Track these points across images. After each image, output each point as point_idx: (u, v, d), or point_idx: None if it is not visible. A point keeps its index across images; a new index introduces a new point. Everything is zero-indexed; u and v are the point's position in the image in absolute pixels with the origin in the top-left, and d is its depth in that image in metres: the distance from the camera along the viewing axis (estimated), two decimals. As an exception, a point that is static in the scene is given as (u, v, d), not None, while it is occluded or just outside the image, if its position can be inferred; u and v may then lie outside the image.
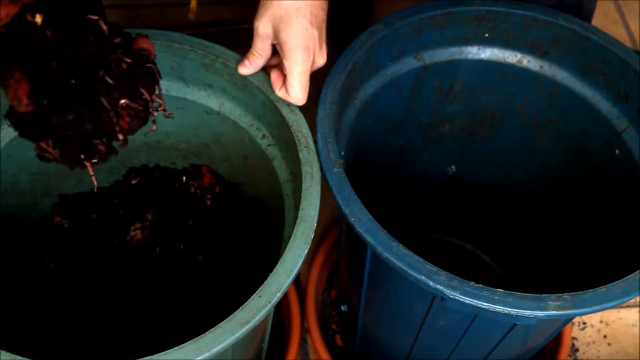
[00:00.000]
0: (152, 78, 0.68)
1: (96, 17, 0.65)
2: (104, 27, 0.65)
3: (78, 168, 0.68)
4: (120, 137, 0.67)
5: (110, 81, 0.64)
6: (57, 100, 0.63)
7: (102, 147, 0.67)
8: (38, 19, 0.63)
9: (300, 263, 0.65)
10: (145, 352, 0.58)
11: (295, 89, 0.74)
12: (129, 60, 0.66)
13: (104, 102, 0.64)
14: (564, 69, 0.90)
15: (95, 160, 0.67)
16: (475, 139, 1.03)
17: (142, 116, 0.67)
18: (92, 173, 0.68)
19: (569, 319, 0.91)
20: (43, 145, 0.65)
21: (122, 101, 0.65)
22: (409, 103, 0.95)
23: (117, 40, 0.67)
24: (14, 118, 0.64)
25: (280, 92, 0.76)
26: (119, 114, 0.66)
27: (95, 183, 0.70)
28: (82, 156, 0.66)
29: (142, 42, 0.68)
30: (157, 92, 0.69)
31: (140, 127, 0.68)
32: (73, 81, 0.63)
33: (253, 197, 0.91)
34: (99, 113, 0.64)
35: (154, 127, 0.72)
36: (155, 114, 0.70)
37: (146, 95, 0.67)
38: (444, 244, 1.22)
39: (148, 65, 0.68)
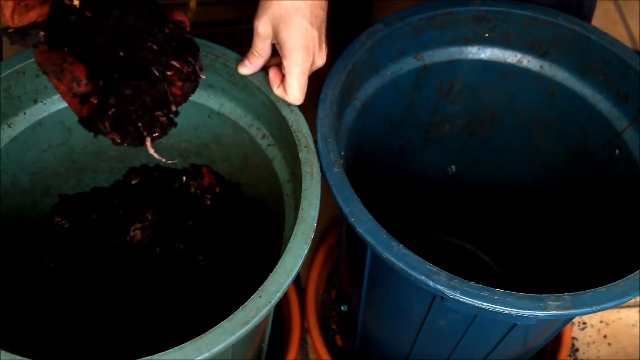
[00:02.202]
0: (193, 46, 0.69)
1: None
2: None
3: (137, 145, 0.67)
4: (174, 107, 0.67)
5: (155, 47, 0.65)
6: (111, 77, 0.64)
7: (164, 119, 0.66)
8: (76, 1, 0.64)
9: (300, 263, 0.65)
10: (145, 352, 0.58)
11: (293, 89, 0.74)
12: (170, 26, 0.67)
13: (155, 70, 0.65)
14: (564, 69, 0.90)
15: (157, 134, 0.66)
16: (475, 139, 1.03)
17: (193, 78, 0.67)
18: (152, 151, 0.67)
19: (569, 319, 0.91)
20: (102, 127, 0.65)
21: (173, 62, 0.66)
22: (409, 103, 0.95)
23: (154, 10, 0.68)
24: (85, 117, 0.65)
25: (278, 91, 0.76)
26: (170, 81, 0.66)
27: (160, 157, 0.69)
28: (145, 132, 0.65)
29: (177, 15, 0.69)
30: (199, 60, 0.69)
31: (192, 90, 0.68)
32: (121, 53, 0.64)
33: (253, 197, 0.91)
34: (153, 82, 0.65)
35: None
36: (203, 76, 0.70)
37: (191, 59, 0.68)
38: (444, 244, 1.22)
39: (187, 35, 0.69)
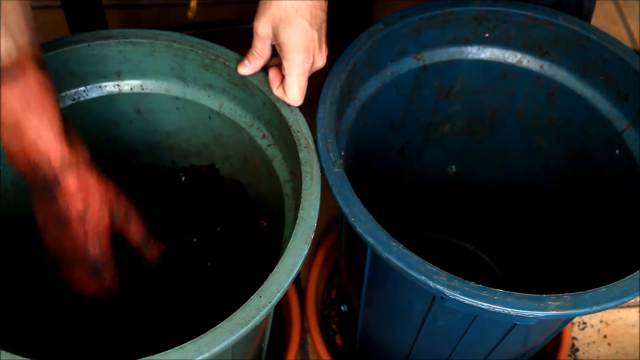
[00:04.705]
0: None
1: None
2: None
3: None
4: None
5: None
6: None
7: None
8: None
9: (300, 263, 0.65)
10: (145, 352, 0.58)
11: (293, 90, 0.74)
12: None
13: None
14: (564, 69, 0.90)
15: None
16: (475, 139, 1.03)
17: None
18: None
19: (569, 319, 0.91)
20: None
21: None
22: (409, 103, 0.95)
23: None
24: None
25: (277, 91, 0.76)
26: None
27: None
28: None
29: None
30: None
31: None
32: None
33: (253, 197, 0.91)
34: None
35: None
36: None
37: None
38: (444, 244, 1.22)
39: None
